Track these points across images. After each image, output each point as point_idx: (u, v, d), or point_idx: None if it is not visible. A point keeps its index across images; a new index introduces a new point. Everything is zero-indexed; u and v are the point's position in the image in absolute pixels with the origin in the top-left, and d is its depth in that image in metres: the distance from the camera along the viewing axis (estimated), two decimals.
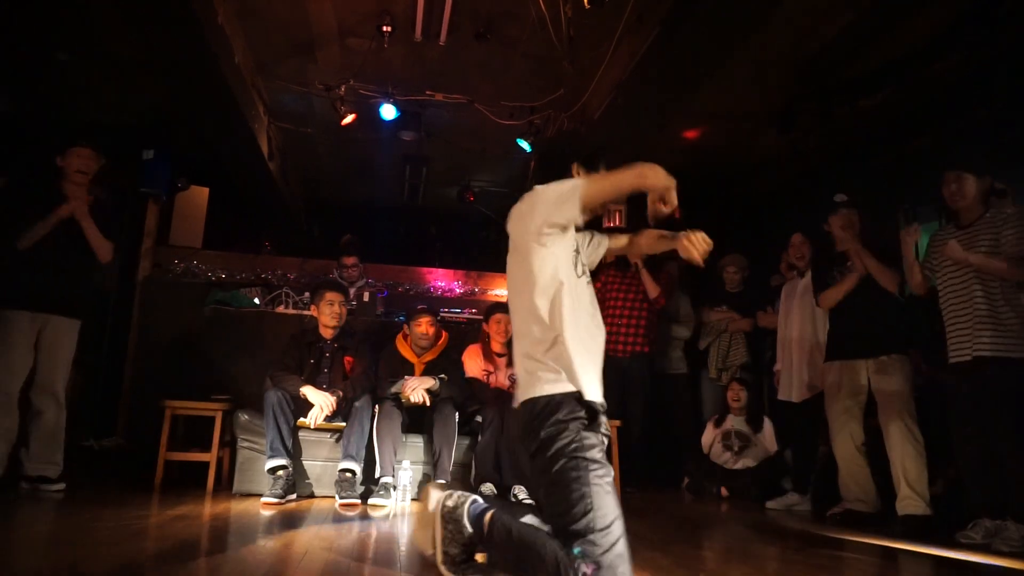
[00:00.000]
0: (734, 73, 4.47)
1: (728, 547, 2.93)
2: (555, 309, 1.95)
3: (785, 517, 3.79)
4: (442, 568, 1.97)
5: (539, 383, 1.92)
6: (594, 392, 1.94)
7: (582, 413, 1.89)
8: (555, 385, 1.90)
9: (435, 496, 2.09)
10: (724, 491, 4.53)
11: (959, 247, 3.19)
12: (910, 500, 3.35)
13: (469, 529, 1.96)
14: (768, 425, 4.59)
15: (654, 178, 2.15)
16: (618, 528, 1.78)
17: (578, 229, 2.15)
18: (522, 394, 1.96)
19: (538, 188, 2.09)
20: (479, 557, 2.03)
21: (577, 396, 1.89)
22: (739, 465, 4.56)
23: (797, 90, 4.78)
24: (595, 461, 1.85)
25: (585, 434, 1.87)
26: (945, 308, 3.30)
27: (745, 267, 5.21)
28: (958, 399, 3.21)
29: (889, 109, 4.76)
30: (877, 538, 3.12)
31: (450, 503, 2.03)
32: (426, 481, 3.72)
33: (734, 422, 4.66)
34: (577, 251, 2.11)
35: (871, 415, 3.67)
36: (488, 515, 1.94)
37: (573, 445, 1.84)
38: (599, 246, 2.36)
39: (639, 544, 2.65)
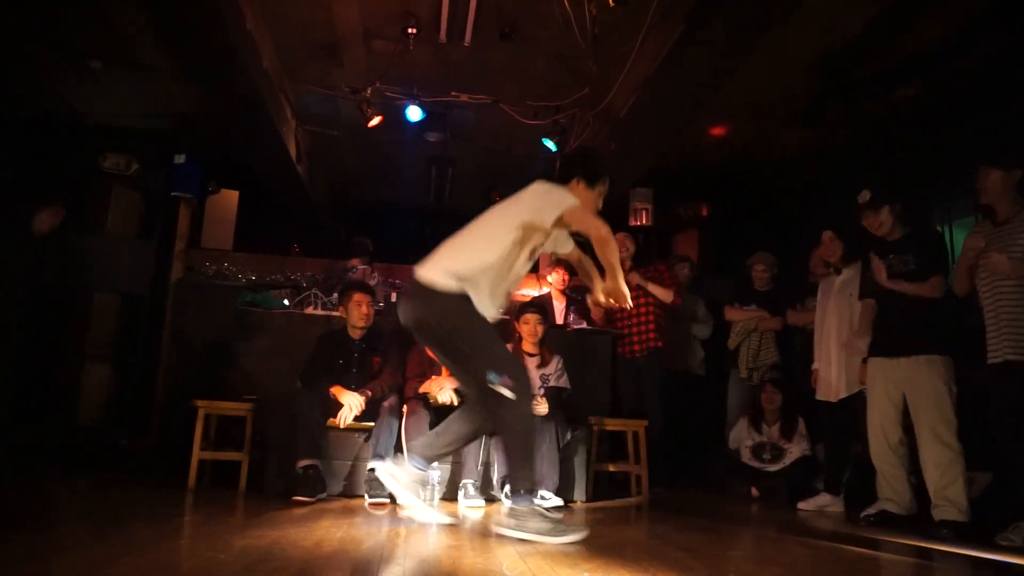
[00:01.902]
0: (759, 69, 4.42)
1: (758, 549, 2.90)
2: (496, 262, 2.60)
3: (817, 518, 3.74)
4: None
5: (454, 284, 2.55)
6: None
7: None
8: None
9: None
10: (755, 491, 4.48)
11: (1004, 262, 3.06)
12: (944, 507, 3.26)
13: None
14: (801, 426, 4.52)
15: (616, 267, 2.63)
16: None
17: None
18: (438, 285, 2.55)
19: (544, 184, 2.70)
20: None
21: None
22: (770, 467, 4.51)
23: (823, 85, 4.72)
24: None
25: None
26: (984, 307, 3.23)
27: (774, 265, 5.14)
28: (996, 400, 3.13)
29: (919, 102, 4.67)
30: (911, 539, 3.06)
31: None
32: (455, 479, 3.73)
33: (769, 434, 4.59)
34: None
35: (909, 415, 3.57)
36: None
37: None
38: (566, 243, 2.95)
39: (666, 546, 2.64)
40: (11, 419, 4.37)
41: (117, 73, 5.00)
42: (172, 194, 6.06)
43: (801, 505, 4.02)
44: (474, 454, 3.66)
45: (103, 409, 5.58)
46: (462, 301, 2.56)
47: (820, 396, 4.16)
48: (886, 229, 3.62)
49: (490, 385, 2.48)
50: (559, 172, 2.89)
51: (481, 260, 2.61)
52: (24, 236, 3.75)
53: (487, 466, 3.78)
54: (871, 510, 3.62)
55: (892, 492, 3.52)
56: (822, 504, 3.99)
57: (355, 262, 5.52)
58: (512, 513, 2.55)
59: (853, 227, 3.89)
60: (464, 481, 3.61)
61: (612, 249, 2.60)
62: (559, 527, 2.44)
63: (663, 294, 4.73)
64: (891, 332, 3.56)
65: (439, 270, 2.59)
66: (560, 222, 2.61)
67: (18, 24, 4.38)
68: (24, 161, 5.32)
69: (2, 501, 3.05)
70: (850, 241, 4.06)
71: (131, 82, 5.15)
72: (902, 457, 3.53)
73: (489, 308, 2.64)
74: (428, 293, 2.57)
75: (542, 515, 2.48)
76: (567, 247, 2.98)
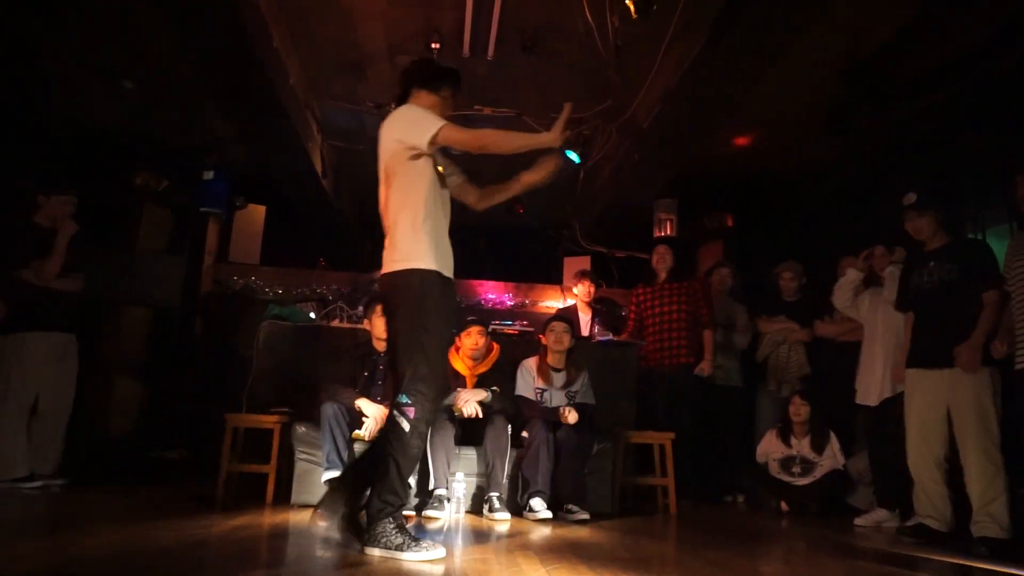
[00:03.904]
0: (784, 77, 4.38)
1: (790, 564, 2.84)
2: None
3: (846, 533, 3.65)
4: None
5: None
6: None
7: None
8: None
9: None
10: (784, 505, 4.39)
11: None
12: (986, 523, 3.16)
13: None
14: (833, 440, 4.43)
15: (540, 143, 2.46)
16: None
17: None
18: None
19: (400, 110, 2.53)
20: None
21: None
22: (800, 481, 4.43)
23: (850, 93, 4.66)
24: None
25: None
26: (1015, 313, 3.17)
27: (801, 274, 5.07)
28: (1019, 405, 3.07)
29: (948, 109, 4.60)
30: (950, 556, 2.98)
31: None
32: (480, 493, 3.72)
33: (798, 447, 4.50)
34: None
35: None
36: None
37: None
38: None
39: (695, 561, 2.60)
40: None
41: (149, 92, 5.11)
42: (201, 210, 6.17)
43: (858, 521, 3.91)
44: (501, 466, 3.65)
45: (134, 421, 5.67)
46: (402, 276, 2.43)
47: (860, 400, 4.10)
48: (927, 233, 3.54)
49: (397, 403, 2.37)
50: (400, 91, 2.67)
51: (396, 209, 2.48)
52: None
53: (513, 480, 3.76)
54: (908, 523, 3.52)
55: (932, 508, 3.40)
56: (879, 520, 3.85)
57: (378, 274, 5.56)
58: (372, 529, 2.35)
59: (894, 234, 3.82)
60: (490, 494, 3.59)
61: (498, 141, 2.54)
62: (416, 543, 2.32)
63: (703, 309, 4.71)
64: (931, 342, 3.46)
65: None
66: (435, 142, 2.43)
67: (54, 45, 4.51)
68: (57, 178, 5.45)
69: (34, 511, 3.11)
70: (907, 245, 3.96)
71: (162, 101, 5.26)
72: (945, 472, 3.42)
73: (447, 262, 2.50)
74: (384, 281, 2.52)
75: (400, 530, 2.35)
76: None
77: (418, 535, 2.38)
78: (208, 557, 2.33)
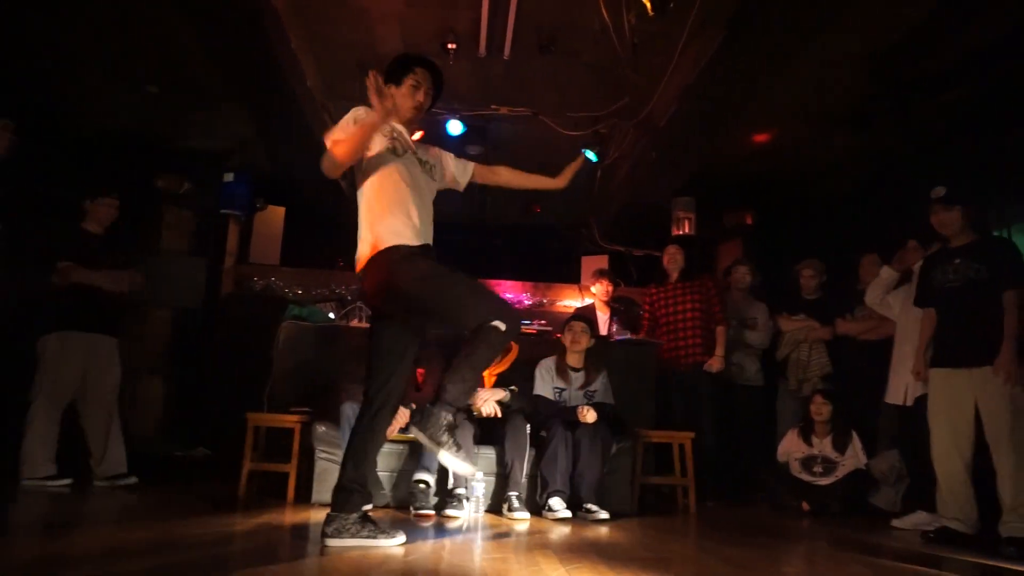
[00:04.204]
0: (804, 72, 4.34)
1: (812, 565, 2.82)
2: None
3: (870, 534, 3.61)
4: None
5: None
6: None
7: None
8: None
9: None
10: (805, 506, 4.35)
11: None
12: (1015, 523, 3.09)
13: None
14: (855, 440, 4.38)
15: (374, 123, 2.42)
16: None
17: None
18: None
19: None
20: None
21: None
22: (822, 481, 4.38)
23: (872, 87, 4.60)
24: None
25: None
26: None
27: (822, 272, 5.01)
28: None
29: (972, 103, 4.52)
30: (976, 557, 2.93)
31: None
32: (499, 492, 3.72)
33: (820, 447, 4.46)
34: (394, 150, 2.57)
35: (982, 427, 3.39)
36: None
37: None
38: (465, 169, 2.87)
39: (715, 561, 2.58)
40: None
41: (170, 97, 5.18)
42: (221, 212, 6.24)
43: (896, 523, 3.85)
44: (520, 466, 3.65)
45: (157, 420, 5.75)
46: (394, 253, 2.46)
47: (890, 399, 4.06)
48: (954, 229, 3.47)
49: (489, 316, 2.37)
50: None
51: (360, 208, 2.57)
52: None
53: (532, 479, 3.76)
54: (932, 526, 3.47)
55: (958, 511, 3.33)
56: (918, 522, 3.73)
57: None
58: (333, 520, 2.42)
59: (917, 231, 3.77)
60: (509, 493, 3.60)
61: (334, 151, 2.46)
62: (379, 530, 2.41)
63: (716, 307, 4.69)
64: (956, 342, 3.40)
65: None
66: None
67: (79, 50, 4.58)
68: (81, 181, 5.54)
69: (68, 509, 3.17)
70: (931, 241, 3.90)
71: (184, 105, 5.32)
72: (972, 474, 3.35)
73: (414, 235, 2.50)
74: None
75: (364, 520, 2.42)
76: (468, 170, 2.91)
77: (379, 523, 2.45)
78: (233, 553, 2.37)
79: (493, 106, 5.21)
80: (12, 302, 4.14)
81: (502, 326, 2.32)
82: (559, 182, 2.92)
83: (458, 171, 2.87)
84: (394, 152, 2.56)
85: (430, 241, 2.59)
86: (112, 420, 4.00)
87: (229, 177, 6.23)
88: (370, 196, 2.54)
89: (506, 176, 2.94)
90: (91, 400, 3.94)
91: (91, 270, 3.90)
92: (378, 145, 2.54)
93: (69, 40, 4.48)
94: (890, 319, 4.25)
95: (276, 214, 6.71)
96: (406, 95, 2.62)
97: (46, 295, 3.88)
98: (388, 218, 2.48)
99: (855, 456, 4.36)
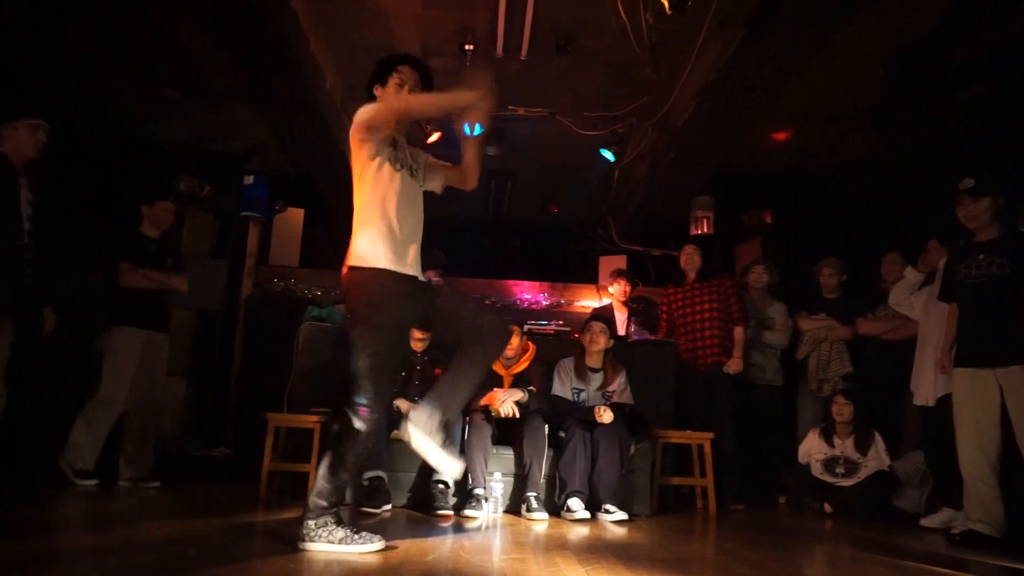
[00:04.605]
0: (823, 71, 4.30)
1: (835, 568, 2.78)
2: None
3: (894, 536, 3.56)
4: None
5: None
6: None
7: None
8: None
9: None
10: (827, 507, 4.31)
11: None
12: None
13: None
14: (878, 440, 4.33)
15: (464, 100, 2.46)
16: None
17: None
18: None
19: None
20: None
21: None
22: (844, 482, 4.33)
23: (893, 84, 4.54)
24: None
25: None
26: None
27: (842, 271, 4.96)
28: None
29: (997, 99, 4.45)
30: (1002, 560, 2.88)
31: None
32: (517, 493, 3.72)
33: (842, 447, 4.41)
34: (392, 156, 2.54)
35: (1009, 426, 3.29)
36: None
37: None
38: (435, 172, 2.77)
39: (735, 562, 2.56)
40: None
41: (191, 100, 5.23)
42: (242, 214, 6.30)
43: (924, 522, 3.82)
44: (538, 466, 3.65)
45: (180, 420, 5.82)
46: (357, 275, 2.46)
47: (918, 401, 4.03)
48: (981, 222, 3.42)
49: (352, 403, 2.37)
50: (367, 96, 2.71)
51: (357, 209, 2.57)
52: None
53: (551, 479, 3.76)
54: (957, 528, 3.42)
55: (985, 512, 3.28)
56: (946, 520, 3.71)
57: (431, 274, 5.60)
58: (310, 526, 2.37)
59: (940, 230, 3.71)
60: (527, 494, 3.60)
61: (420, 103, 2.59)
62: (358, 536, 2.36)
63: (736, 309, 4.65)
64: (980, 340, 3.35)
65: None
66: (368, 126, 2.50)
67: (100, 55, 4.65)
68: (103, 185, 5.63)
69: (96, 507, 3.22)
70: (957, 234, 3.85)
71: (204, 108, 5.38)
72: (999, 475, 3.30)
73: (403, 256, 2.47)
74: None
75: (339, 524, 2.37)
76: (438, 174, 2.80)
77: (356, 528, 2.40)
78: (254, 551, 2.41)
79: (510, 107, 5.21)
80: (77, 302, 4.23)
81: (357, 423, 2.35)
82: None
83: (432, 178, 2.79)
84: (394, 165, 2.56)
85: (417, 244, 2.57)
86: (151, 421, 4.08)
87: (249, 180, 6.29)
88: (367, 205, 2.55)
89: (456, 169, 2.80)
90: (139, 398, 4.01)
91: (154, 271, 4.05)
92: (383, 154, 2.55)
93: (91, 48, 4.54)
94: (913, 319, 4.20)
95: (295, 216, 6.76)
96: (392, 95, 2.62)
97: (108, 294, 4.00)
98: (385, 236, 2.48)
99: (878, 457, 4.31)
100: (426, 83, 2.68)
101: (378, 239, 2.47)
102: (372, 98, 2.66)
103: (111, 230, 4.26)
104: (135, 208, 4.19)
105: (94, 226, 4.71)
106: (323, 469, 2.38)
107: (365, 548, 2.33)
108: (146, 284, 4.02)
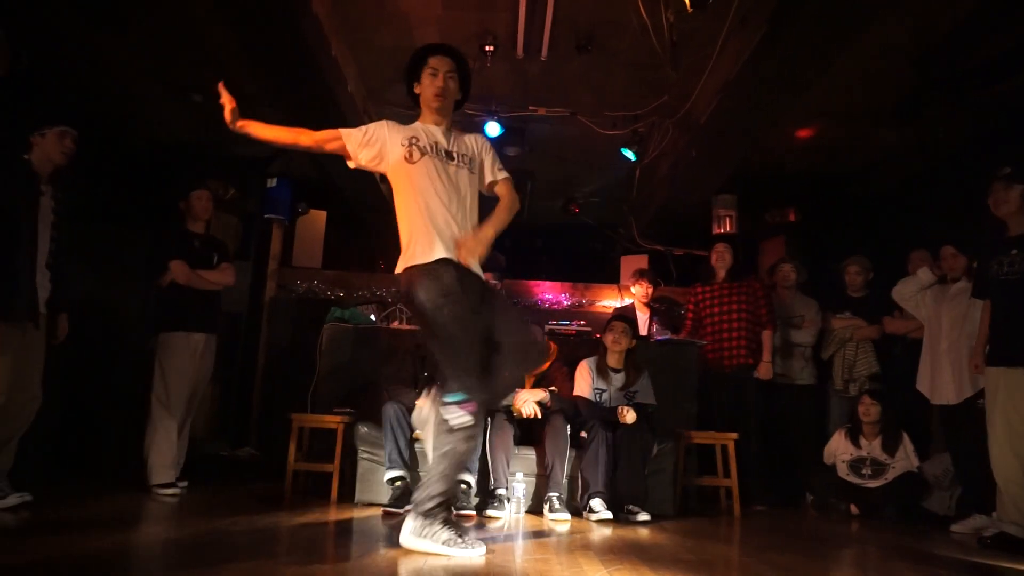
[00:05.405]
0: (848, 67, 4.23)
1: (862, 571, 2.74)
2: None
3: (925, 538, 3.50)
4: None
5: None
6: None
7: None
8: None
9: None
10: (854, 508, 4.25)
11: None
12: None
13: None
14: (906, 441, 4.26)
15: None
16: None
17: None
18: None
19: None
20: None
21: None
22: (871, 483, 4.27)
23: (920, 80, 4.46)
24: None
25: None
26: None
27: (868, 269, 4.89)
28: None
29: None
30: None
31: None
32: (539, 493, 3.72)
33: (868, 448, 4.34)
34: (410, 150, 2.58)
35: None
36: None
37: None
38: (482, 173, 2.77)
39: (761, 565, 2.54)
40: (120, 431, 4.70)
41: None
42: (265, 216, 6.38)
43: (955, 528, 3.74)
44: (560, 467, 3.64)
45: (205, 421, 5.89)
46: (412, 274, 2.46)
47: (937, 400, 3.96)
48: (1009, 209, 3.37)
49: (445, 404, 2.32)
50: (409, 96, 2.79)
51: (398, 214, 2.60)
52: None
53: (573, 480, 3.75)
54: (989, 531, 3.35)
55: (1018, 514, 3.20)
56: (977, 526, 3.61)
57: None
58: (420, 525, 2.36)
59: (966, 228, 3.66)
60: (550, 494, 3.59)
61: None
62: (462, 540, 2.33)
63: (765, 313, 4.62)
64: (1014, 338, 3.28)
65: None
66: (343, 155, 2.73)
67: (129, 62, 4.73)
68: (131, 188, 5.73)
69: (119, 507, 3.27)
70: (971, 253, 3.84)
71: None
72: None
73: (429, 246, 2.47)
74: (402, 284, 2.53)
75: (450, 526, 2.35)
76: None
77: (461, 532, 2.38)
78: (279, 550, 2.42)
79: (531, 107, 5.21)
80: (135, 303, 4.25)
81: (453, 421, 2.29)
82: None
83: (487, 175, 2.79)
84: (409, 159, 2.57)
85: (457, 224, 2.57)
86: (188, 422, 4.02)
87: (272, 183, 6.37)
88: (398, 209, 2.60)
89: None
90: (191, 400, 3.98)
91: (201, 269, 3.99)
92: (392, 157, 2.60)
93: (120, 54, 4.62)
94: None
95: (318, 218, 6.82)
96: (427, 85, 2.65)
97: (159, 295, 3.96)
98: (413, 233, 2.52)
99: (906, 458, 4.24)
100: (463, 71, 2.71)
101: (411, 238, 2.51)
102: (414, 97, 2.72)
103: (155, 230, 4.19)
104: (162, 211, 4.16)
105: (120, 230, 4.70)
106: (441, 467, 2.34)
107: (468, 553, 2.30)
108: (200, 285, 3.95)
